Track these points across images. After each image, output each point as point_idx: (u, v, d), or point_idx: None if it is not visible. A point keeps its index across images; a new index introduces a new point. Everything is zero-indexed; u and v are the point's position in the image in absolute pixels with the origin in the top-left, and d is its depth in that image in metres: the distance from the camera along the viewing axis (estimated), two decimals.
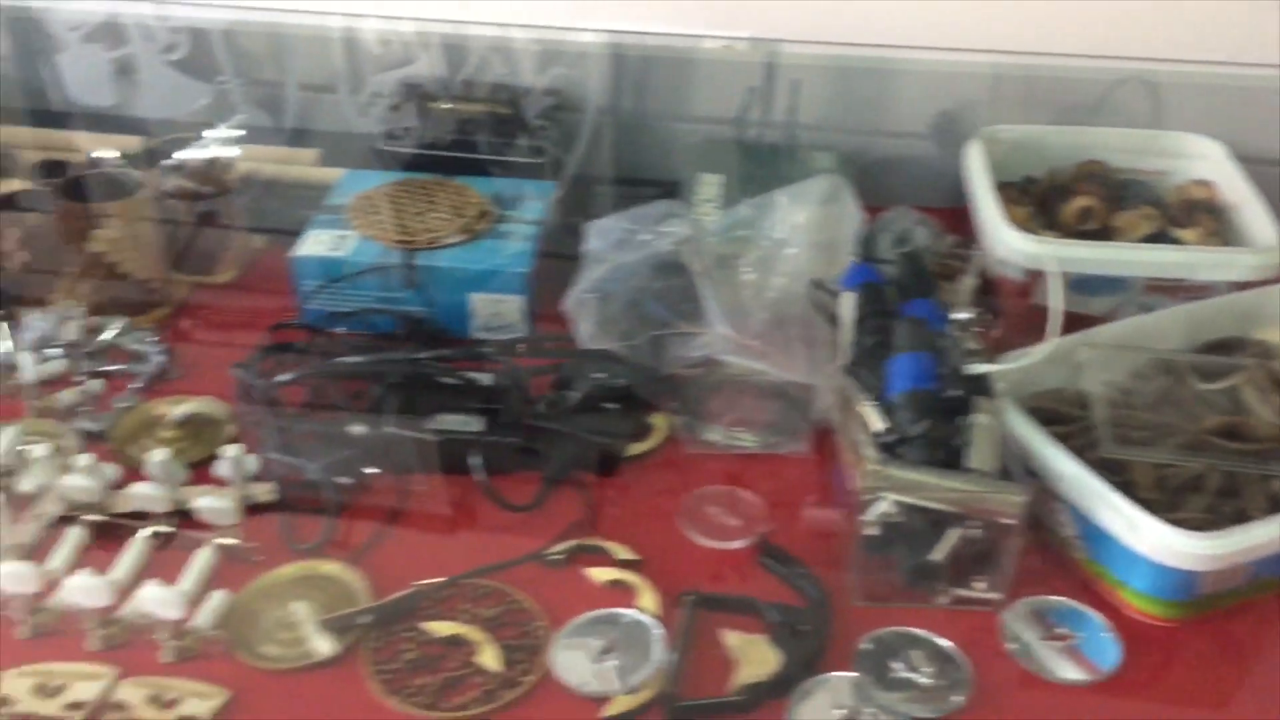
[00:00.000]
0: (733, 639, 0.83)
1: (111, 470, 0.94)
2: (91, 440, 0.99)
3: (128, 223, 1.10)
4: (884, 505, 0.83)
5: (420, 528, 0.94)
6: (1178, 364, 0.98)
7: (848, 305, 0.95)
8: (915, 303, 0.96)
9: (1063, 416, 0.93)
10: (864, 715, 0.79)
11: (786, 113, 1.30)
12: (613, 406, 1.00)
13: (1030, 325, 0.96)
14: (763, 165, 1.29)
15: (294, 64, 1.36)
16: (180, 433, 1.00)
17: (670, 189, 1.24)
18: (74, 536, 0.89)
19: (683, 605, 0.85)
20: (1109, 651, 0.84)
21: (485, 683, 0.81)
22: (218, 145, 1.22)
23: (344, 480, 0.94)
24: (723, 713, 0.79)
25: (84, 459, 0.93)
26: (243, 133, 1.25)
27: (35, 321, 1.07)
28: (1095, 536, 0.86)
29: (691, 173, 1.25)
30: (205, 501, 0.88)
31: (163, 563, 0.89)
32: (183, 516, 0.91)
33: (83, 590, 0.81)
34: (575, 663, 0.82)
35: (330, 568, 0.89)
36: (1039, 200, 1.20)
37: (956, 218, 1.20)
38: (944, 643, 0.84)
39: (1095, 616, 0.86)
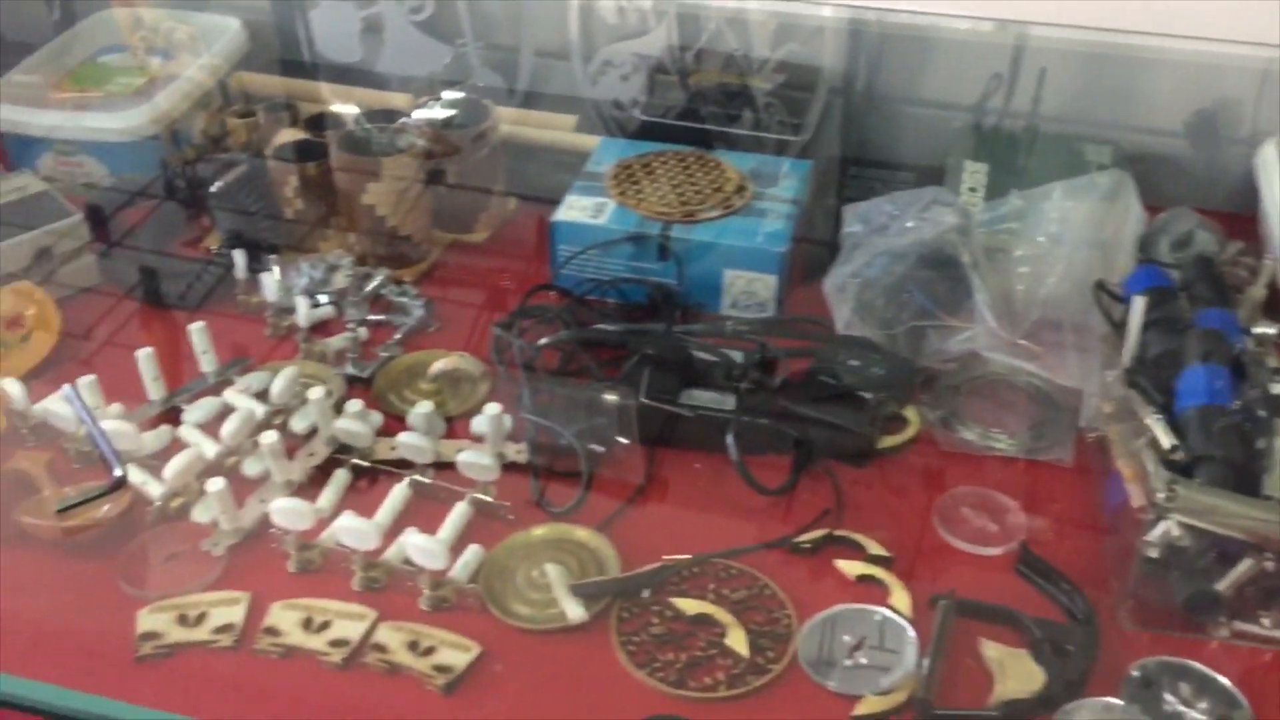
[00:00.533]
0: (992, 650, 0.80)
1: (378, 417, 0.97)
2: (353, 386, 1.03)
3: (398, 179, 1.13)
4: (1168, 527, 0.78)
5: (668, 501, 0.93)
6: None
7: (1137, 310, 0.89)
8: (1209, 312, 0.89)
9: None
10: None
11: (1030, 101, 1.24)
12: (867, 396, 0.97)
13: None
14: (1029, 155, 1.23)
15: (531, 30, 1.37)
16: (437, 386, 1.02)
17: (928, 174, 1.20)
18: (340, 478, 0.93)
19: (936, 609, 0.82)
20: None
21: (732, 666, 0.80)
22: (459, 106, 1.23)
23: (596, 448, 0.95)
24: None
25: (354, 404, 0.96)
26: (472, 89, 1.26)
27: (307, 268, 1.11)
28: None
29: (954, 159, 1.21)
30: (466, 456, 0.89)
31: (419, 511, 0.91)
32: (438, 468, 0.94)
33: (350, 532, 0.84)
34: (824, 656, 0.80)
35: (581, 533, 0.89)
36: None
37: (1232, 223, 1.12)
38: (1221, 679, 0.78)
39: None
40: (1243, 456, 0.79)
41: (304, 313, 1.05)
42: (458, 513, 0.89)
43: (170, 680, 0.80)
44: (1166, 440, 0.80)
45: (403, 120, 1.20)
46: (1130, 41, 1.19)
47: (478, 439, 0.95)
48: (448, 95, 1.25)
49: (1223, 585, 0.78)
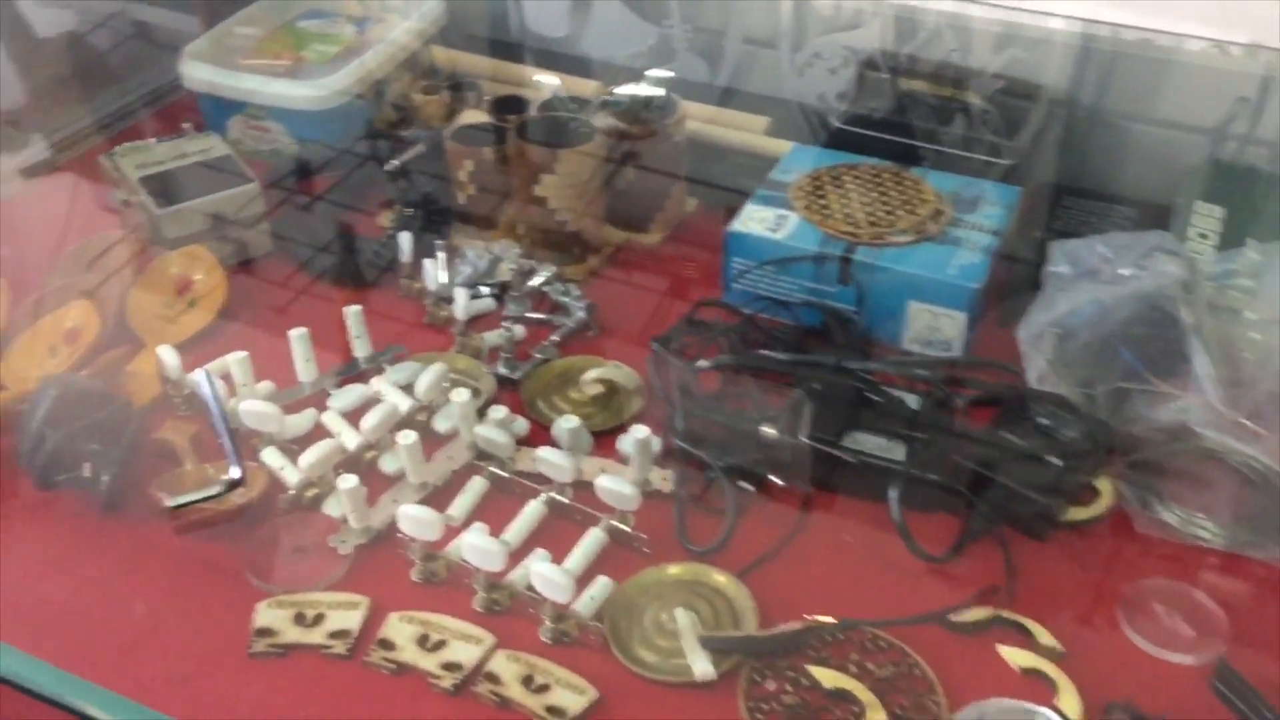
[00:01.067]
0: None
1: (523, 426, 0.93)
2: (503, 385, 0.99)
3: (574, 171, 1.08)
4: None
5: (818, 554, 0.86)
6: None
7: None
8: None
9: None
10: None
11: (1278, 131, 1.09)
12: (1055, 460, 0.86)
13: None
14: (1272, 201, 1.09)
15: (740, 15, 1.31)
16: (588, 396, 0.97)
17: (1151, 213, 1.08)
18: (476, 487, 0.89)
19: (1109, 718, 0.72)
20: None
21: None
22: (653, 88, 1.17)
23: (746, 486, 0.88)
24: None
25: (499, 411, 0.92)
26: (669, 75, 1.20)
27: (473, 257, 1.08)
28: None
29: (1184, 198, 1.08)
30: (606, 481, 0.84)
31: (552, 530, 0.86)
32: (576, 487, 0.88)
33: (477, 551, 0.79)
34: None
35: (720, 578, 0.83)
36: None
37: None
38: None
39: None
40: None
41: (462, 305, 1.02)
42: (591, 539, 0.84)
43: (279, 683, 0.77)
44: None
45: (589, 105, 1.15)
46: None
47: (622, 459, 0.90)
48: (633, 89, 1.19)
49: None
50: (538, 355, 1.01)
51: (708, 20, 1.32)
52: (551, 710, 0.74)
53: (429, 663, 0.77)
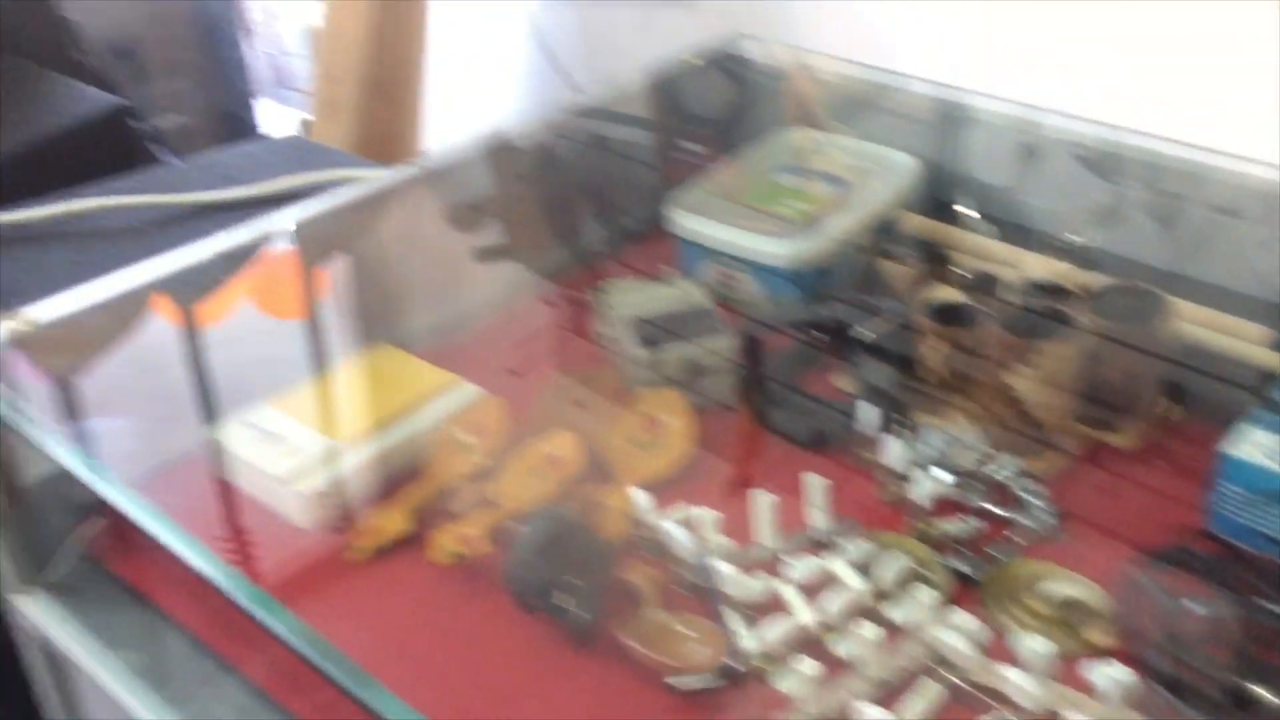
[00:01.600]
0: None
1: (984, 634, 0.90)
2: (957, 580, 0.96)
3: (1052, 365, 1.04)
4: None
5: None
6: None
7: None
8: None
9: None
10: None
11: None
12: None
13: None
14: None
15: (1209, 186, 1.21)
16: (1052, 611, 0.92)
17: None
18: (931, 693, 0.86)
19: None
20: None
21: None
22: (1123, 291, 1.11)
23: None
24: None
25: (967, 620, 0.89)
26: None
27: (936, 440, 1.07)
28: None
29: None
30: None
31: None
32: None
33: None
34: None
35: None
36: None
37: None
38: None
39: None
40: None
41: (926, 489, 1.01)
42: None
43: None
44: None
45: (1067, 295, 1.12)
46: None
47: (1085, 690, 0.85)
48: (1101, 279, 1.13)
49: None
50: (995, 554, 0.98)
51: (1168, 182, 1.23)
52: None
53: None
